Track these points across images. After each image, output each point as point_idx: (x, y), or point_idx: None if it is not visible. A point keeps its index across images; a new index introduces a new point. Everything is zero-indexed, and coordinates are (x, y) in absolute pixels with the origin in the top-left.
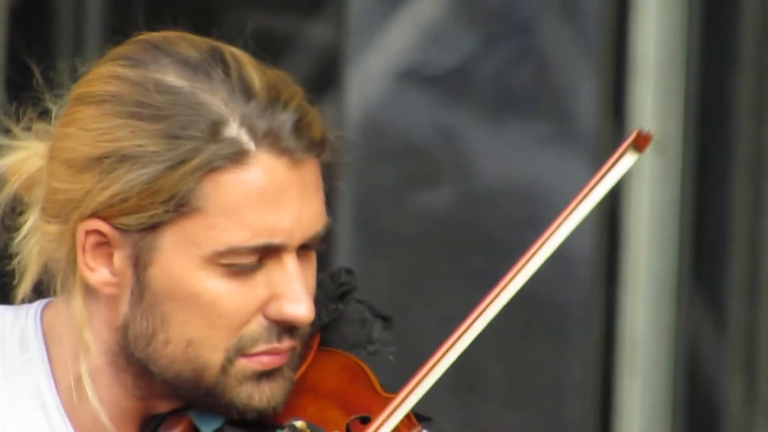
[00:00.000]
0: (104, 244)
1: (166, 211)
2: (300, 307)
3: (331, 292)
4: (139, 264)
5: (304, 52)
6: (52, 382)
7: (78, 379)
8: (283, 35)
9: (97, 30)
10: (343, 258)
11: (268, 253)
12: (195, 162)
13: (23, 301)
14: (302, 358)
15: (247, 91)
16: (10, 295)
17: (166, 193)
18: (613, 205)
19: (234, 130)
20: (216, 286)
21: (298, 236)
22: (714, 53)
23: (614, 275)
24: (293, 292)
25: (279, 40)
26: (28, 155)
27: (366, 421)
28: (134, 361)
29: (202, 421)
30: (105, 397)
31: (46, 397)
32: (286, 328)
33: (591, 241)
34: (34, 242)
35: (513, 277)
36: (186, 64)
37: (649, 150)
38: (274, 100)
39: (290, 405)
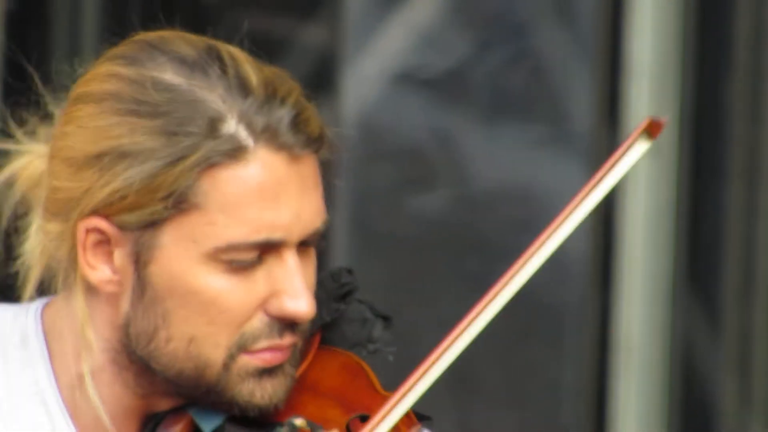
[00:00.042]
0: (105, 242)
1: (166, 208)
2: (300, 302)
3: (332, 292)
4: (140, 261)
5: (299, 54)
6: (53, 379)
7: (79, 377)
8: (278, 37)
9: (93, 33)
10: (339, 260)
11: (268, 249)
12: (193, 158)
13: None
14: (303, 356)
15: (244, 88)
16: (15, 295)
17: (165, 189)
18: (608, 207)
19: (232, 126)
20: (216, 283)
21: (298, 232)
22: (708, 56)
23: (609, 277)
24: (293, 287)
25: (275, 43)
26: (32, 159)
27: (366, 419)
28: (136, 359)
29: (203, 418)
30: (106, 395)
31: (47, 394)
32: (287, 324)
33: (586, 243)
34: (37, 242)
35: (519, 269)
36: (183, 62)
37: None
38: (272, 96)
39: (290, 403)
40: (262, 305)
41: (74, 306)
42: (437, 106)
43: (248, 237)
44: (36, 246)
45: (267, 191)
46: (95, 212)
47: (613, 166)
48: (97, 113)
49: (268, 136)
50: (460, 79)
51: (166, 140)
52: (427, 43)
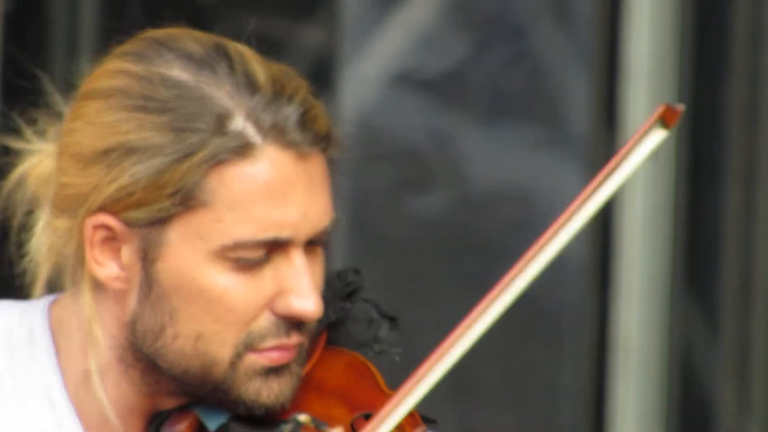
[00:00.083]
0: (112, 239)
1: (173, 205)
2: (307, 301)
3: (338, 291)
4: (147, 258)
5: (297, 55)
6: (59, 376)
7: (86, 374)
8: (276, 38)
9: (91, 34)
10: (337, 261)
11: (275, 247)
12: (201, 155)
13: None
14: (309, 355)
15: (251, 85)
16: (23, 293)
17: (172, 186)
18: (606, 208)
19: (239, 123)
20: (223, 281)
21: (305, 230)
22: (706, 57)
23: (608, 279)
24: (300, 286)
25: (273, 44)
26: (41, 157)
27: (370, 418)
28: (142, 357)
29: (208, 416)
30: (112, 392)
31: (54, 391)
32: (294, 323)
33: (585, 245)
34: (45, 240)
35: (527, 264)
36: (190, 59)
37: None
38: (279, 93)
39: (296, 401)
40: (269, 304)
41: (82, 303)
42: (435, 108)
43: (255, 235)
44: (44, 243)
45: (274, 189)
46: (103, 209)
47: (627, 155)
48: (104, 109)
49: (276, 133)
50: (458, 81)
51: (173, 136)
52: (425, 44)
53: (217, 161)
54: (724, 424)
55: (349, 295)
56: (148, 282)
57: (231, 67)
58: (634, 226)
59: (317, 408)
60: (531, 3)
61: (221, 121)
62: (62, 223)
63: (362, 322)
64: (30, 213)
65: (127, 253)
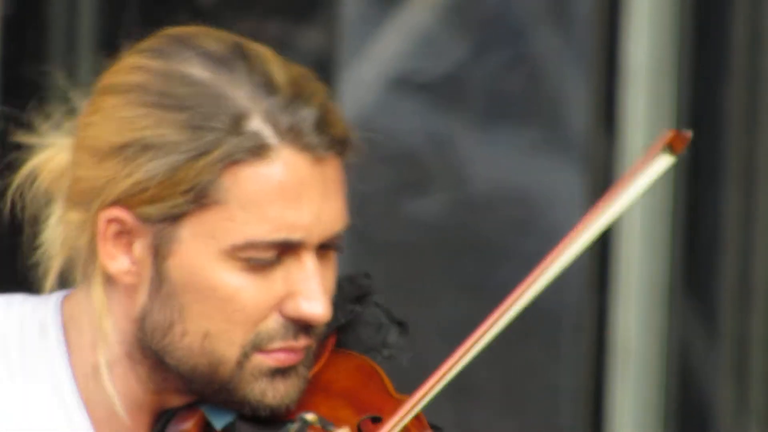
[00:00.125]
0: (125, 233)
1: (187, 202)
2: (316, 305)
3: (348, 294)
4: (159, 254)
5: (296, 58)
6: (69, 370)
7: (95, 369)
8: (275, 41)
9: (89, 36)
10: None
11: (287, 249)
12: (216, 154)
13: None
14: (317, 358)
15: (270, 86)
16: (35, 287)
17: (187, 183)
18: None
19: (256, 124)
20: (234, 280)
21: (318, 234)
22: (705, 60)
23: (606, 281)
24: (310, 290)
25: (271, 46)
26: (56, 151)
27: (377, 421)
28: (150, 354)
29: (214, 415)
30: (120, 388)
31: (63, 385)
32: (302, 326)
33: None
34: (58, 233)
35: (538, 277)
36: (210, 58)
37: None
38: (297, 95)
39: (302, 403)
40: (278, 306)
41: (93, 297)
42: (434, 110)
43: (267, 235)
44: (57, 236)
45: (289, 191)
46: (117, 203)
47: (632, 179)
48: (123, 104)
49: (293, 135)
50: (456, 83)
51: (190, 134)
52: (423, 46)
53: (232, 161)
54: (722, 425)
55: (359, 299)
56: (159, 278)
57: (250, 68)
58: (633, 228)
59: (324, 409)
60: (530, 5)
61: (238, 121)
62: (76, 216)
63: (372, 326)
64: (43, 206)
65: (140, 248)
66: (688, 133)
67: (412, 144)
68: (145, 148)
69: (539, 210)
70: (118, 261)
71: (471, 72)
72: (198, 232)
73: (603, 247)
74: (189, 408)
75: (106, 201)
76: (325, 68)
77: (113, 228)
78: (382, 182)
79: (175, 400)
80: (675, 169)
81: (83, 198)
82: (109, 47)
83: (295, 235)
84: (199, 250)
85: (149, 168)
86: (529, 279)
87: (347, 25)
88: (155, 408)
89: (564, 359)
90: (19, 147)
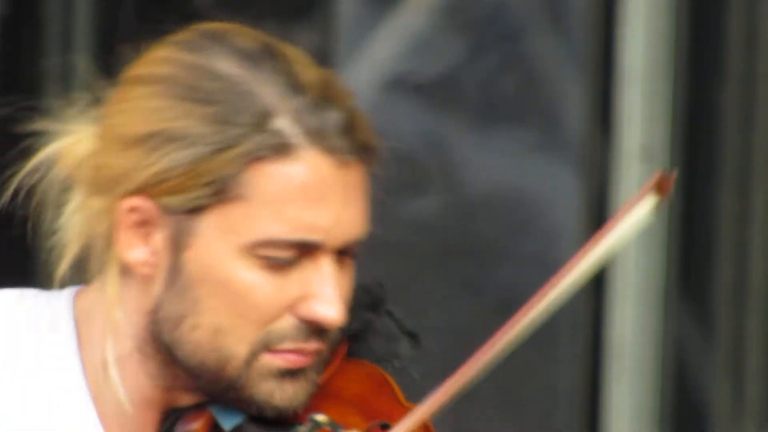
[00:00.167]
0: (144, 223)
1: (208, 195)
2: (330, 308)
3: (362, 302)
4: (177, 246)
5: None
6: (79, 364)
7: (105, 364)
8: None
9: (85, 37)
10: None
11: (305, 251)
12: (240, 149)
13: (62, 282)
14: (328, 364)
15: (298, 87)
16: (47, 280)
17: (209, 175)
18: (600, 212)
19: (282, 122)
20: (250, 277)
21: (336, 238)
22: (701, 61)
23: (602, 282)
24: (325, 293)
25: None
26: (79, 139)
27: (386, 428)
28: (161, 348)
29: (223, 416)
30: (130, 383)
31: (73, 379)
32: (314, 329)
33: (579, 248)
34: (76, 219)
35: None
36: (240, 54)
37: (638, 159)
38: (325, 98)
39: (312, 408)
40: (292, 306)
41: (106, 288)
42: (429, 112)
43: (286, 234)
44: (74, 224)
45: (310, 191)
46: (139, 192)
47: (619, 223)
48: (151, 94)
49: (317, 137)
50: (452, 85)
51: (215, 128)
52: (419, 48)
53: (255, 157)
54: (718, 426)
55: (373, 307)
56: (176, 269)
57: (279, 67)
58: None
59: (333, 414)
60: (525, 7)
61: (263, 118)
62: (97, 203)
63: (383, 336)
64: (59, 193)
65: (158, 238)
66: (673, 174)
67: (408, 145)
68: (170, 138)
69: (536, 211)
70: (135, 250)
71: (467, 73)
72: (217, 226)
73: None
74: (197, 408)
75: (128, 189)
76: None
77: (134, 217)
78: (377, 183)
79: (185, 399)
80: (671, 169)
81: (106, 185)
82: (105, 46)
83: (313, 237)
84: (218, 244)
85: (173, 158)
86: (519, 317)
87: (343, 26)
88: (164, 405)
89: (560, 360)
90: (26, 136)
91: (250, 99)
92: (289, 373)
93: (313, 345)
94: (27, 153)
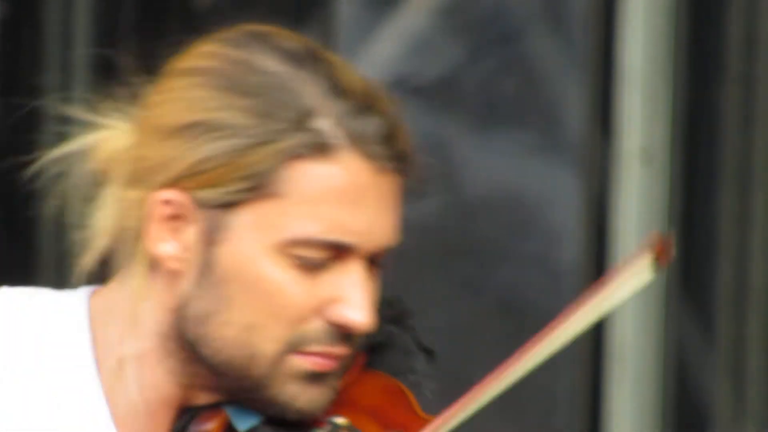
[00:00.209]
0: (178, 217)
1: (245, 190)
2: (360, 313)
3: (385, 315)
4: (210, 241)
5: None
6: (94, 365)
7: (121, 363)
8: None
9: (84, 38)
10: None
11: (337, 253)
12: (280, 144)
13: (82, 276)
14: (346, 373)
15: (340, 91)
16: (66, 279)
17: (246, 169)
18: (600, 213)
19: (324, 123)
20: (281, 276)
21: (369, 243)
22: (701, 63)
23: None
24: (355, 297)
25: None
26: (114, 133)
27: None
28: (185, 345)
29: (238, 417)
30: (148, 380)
31: (86, 378)
32: (343, 333)
33: (579, 249)
34: (108, 212)
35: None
36: (285, 54)
37: (637, 160)
38: (367, 104)
39: (329, 413)
40: (321, 309)
41: (131, 283)
42: (429, 113)
43: (320, 235)
44: (105, 216)
45: (347, 194)
46: (175, 184)
47: (613, 285)
48: (193, 85)
49: (358, 141)
50: (451, 87)
51: (256, 120)
52: (419, 49)
53: (295, 154)
54: (719, 426)
55: (396, 321)
56: (208, 265)
57: (323, 70)
58: (628, 230)
59: (351, 421)
60: (525, 7)
61: (305, 117)
62: (131, 194)
63: (400, 351)
64: (90, 185)
65: (191, 233)
66: (671, 237)
67: None
68: (210, 128)
69: (536, 211)
70: (166, 244)
71: (466, 75)
72: (252, 222)
73: (599, 248)
74: (213, 408)
75: (164, 180)
76: None
77: (167, 209)
78: None
79: (201, 398)
80: (670, 171)
81: (142, 176)
82: (105, 48)
83: (347, 239)
84: (251, 240)
85: (212, 148)
86: (512, 363)
87: (342, 27)
88: (180, 403)
89: (560, 362)
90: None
91: (293, 96)
92: (315, 377)
93: (340, 349)
94: (49, 143)
